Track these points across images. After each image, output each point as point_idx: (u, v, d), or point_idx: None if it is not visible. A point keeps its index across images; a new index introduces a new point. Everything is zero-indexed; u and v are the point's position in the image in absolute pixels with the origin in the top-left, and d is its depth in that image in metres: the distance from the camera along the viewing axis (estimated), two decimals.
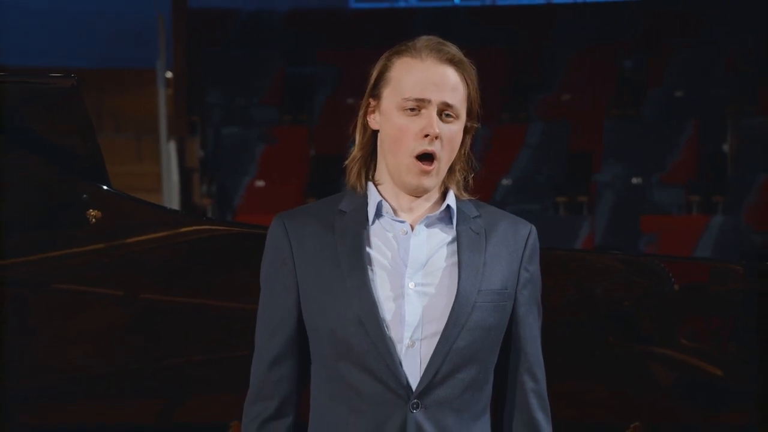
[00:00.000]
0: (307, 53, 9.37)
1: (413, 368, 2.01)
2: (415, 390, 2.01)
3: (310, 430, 2.09)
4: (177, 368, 3.02)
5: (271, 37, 9.67)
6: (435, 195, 2.09)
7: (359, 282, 2.02)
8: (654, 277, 2.97)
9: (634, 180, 7.76)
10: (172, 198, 7.91)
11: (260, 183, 8.27)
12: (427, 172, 2.03)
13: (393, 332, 2.01)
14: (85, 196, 2.79)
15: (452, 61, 2.06)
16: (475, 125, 2.11)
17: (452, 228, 2.08)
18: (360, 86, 2.14)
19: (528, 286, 2.10)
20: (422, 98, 2.03)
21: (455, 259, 2.05)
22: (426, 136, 2.02)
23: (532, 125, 8.28)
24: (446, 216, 2.09)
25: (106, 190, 2.80)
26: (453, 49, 2.07)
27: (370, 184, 2.09)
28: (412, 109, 2.03)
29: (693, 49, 8.92)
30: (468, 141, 2.11)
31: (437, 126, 2.02)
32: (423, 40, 2.08)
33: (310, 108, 8.75)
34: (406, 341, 2.01)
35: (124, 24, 9.89)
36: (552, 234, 7.09)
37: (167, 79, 8.49)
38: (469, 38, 9.55)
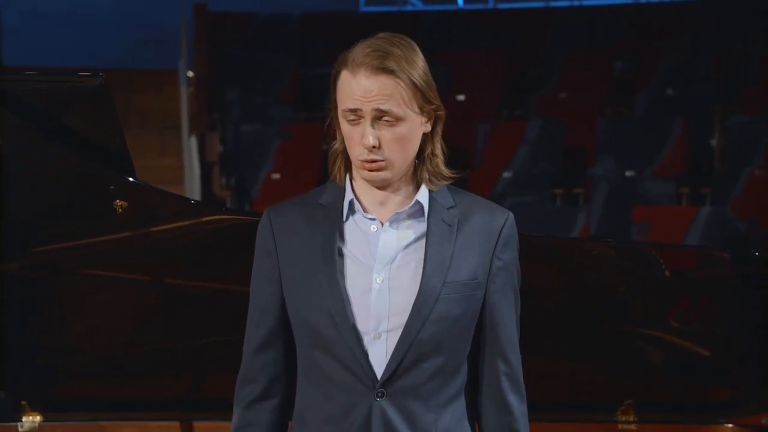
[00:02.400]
0: (320, 54, 9.35)
1: (380, 359, 2.01)
2: (380, 379, 2.00)
3: (295, 410, 2.10)
4: (198, 348, 3.02)
5: (286, 39, 9.65)
6: (407, 189, 2.06)
7: (330, 276, 2.01)
8: (646, 263, 2.95)
9: (627, 173, 7.74)
10: (193, 190, 7.91)
11: (276, 176, 8.27)
12: (374, 169, 2.01)
13: (360, 324, 2.01)
14: (112, 187, 2.79)
15: (383, 69, 2.00)
16: (440, 112, 2.06)
17: (423, 222, 2.05)
18: None
19: (501, 274, 2.06)
20: (354, 108, 2.01)
21: (423, 253, 2.03)
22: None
23: (530, 122, 8.26)
24: (418, 210, 2.06)
25: (132, 181, 2.79)
26: (384, 57, 2.00)
27: (347, 180, 2.07)
28: (351, 119, 2.02)
29: (681, 51, 8.90)
30: (439, 128, 2.07)
31: (371, 137, 1.99)
32: (359, 50, 2.02)
33: (323, 106, 8.71)
34: (373, 333, 2.01)
35: (150, 28, 9.88)
36: (550, 224, 7.07)
37: (189, 79, 8.48)
38: (471, 40, 9.53)
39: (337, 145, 2.08)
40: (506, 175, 7.83)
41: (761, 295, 2.94)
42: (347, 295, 2.01)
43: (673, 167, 7.85)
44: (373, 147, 2.00)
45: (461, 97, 8.71)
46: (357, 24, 10.02)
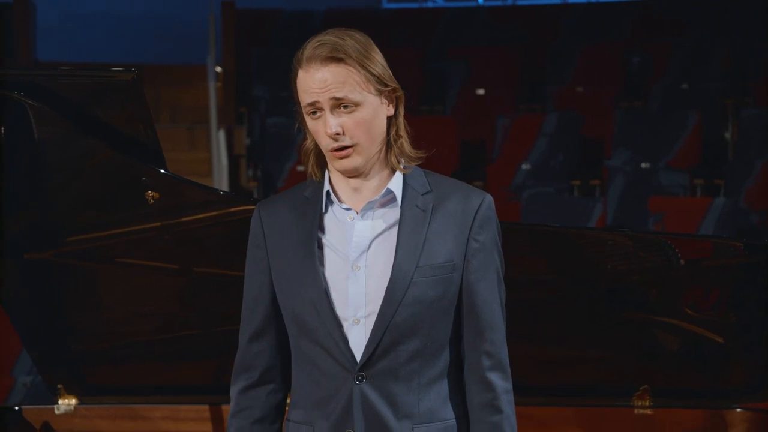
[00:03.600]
0: None
1: (359, 344, 2.02)
2: (359, 363, 2.01)
3: (290, 394, 2.13)
4: (226, 334, 3.03)
5: (311, 35, 9.62)
6: (380, 175, 2.07)
7: (311, 266, 2.04)
8: (661, 252, 2.94)
9: (643, 165, 7.70)
10: (221, 181, 7.92)
11: (301, 168, 8.27)
12: (343, 156, 2.02)
13: (340, 311, 2.02)
14: (144, 178, 2.80)
15: (333, 58, 2.02)
16: (399, 93, 2.06)
17: (397, 208, 2.05)
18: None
19: (478, 256, 2.05)
20: (312, 102, 2.03)
21: (396, 239, 2.04)
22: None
23: (548, 115, 8.23)
24: (391, 198, 2.06)
25: (163, 173, 2.80)
26: (333, 45, 2.02)
27: (327, 173, 2.09)
28: (313, 113, 2.04)
29: (695, 45, 8.85)
30: (401, 110, 2.08)
31: (333, 125, 2.01)
32: (308, 47, 2.05)
33: None
34: (351, 319, 2.02)
35: (179, 25, 9.90)
36: (567, 214, 7.04)
37: (217, 74, 8.49)
38: (491, 35, 9.49)
39: (307, 144, 2.10)
40: (524, 167, 7.80)
41: None
42: (326, 284, 2.03)
43: (687, 159, 7.81)
44: (337, 134, 2.01)
45: (480, 92, 8.69)
46: (379, 20, 10.01)
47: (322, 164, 2.10)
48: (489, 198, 2.08)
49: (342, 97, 2.01)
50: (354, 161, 2.03)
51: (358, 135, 2.02)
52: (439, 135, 7.81)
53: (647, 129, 7.93)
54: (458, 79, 8.81)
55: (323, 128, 2.02)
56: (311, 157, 2.09)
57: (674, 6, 9.45)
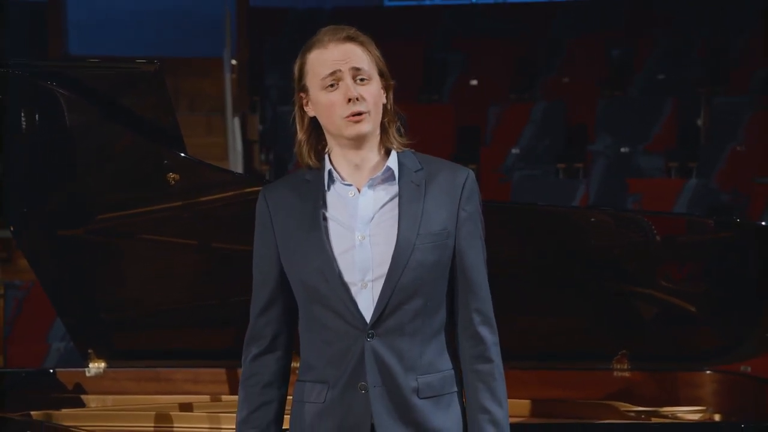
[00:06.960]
0: None
1: (367, 305, 2.06)
2: (369, 322, 2.05)
3: (301, 359, 2.14)
4: (242, 304, 3.04)
5: (318, 30, 9.60)
6: (378, 154, 2.11)
7: (317, 239, 2.07)
8: (639, 229, 2.95)
9: (622, 149, 7.70)
10: (236, 165, 7.92)
11: None
12: (359, 120, 2.06)
13: (347, 277, 2.06)
14: (165, 161, 2.80)
15: (350, 38, 2.09)
16: (391, 83, 2.13)
17: (395, 184, 2.10)
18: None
19: (467, 224, 2.10)
20: (334, 71, 2.07)
21: (397, 211, 2.08)
22: (349, 100, 2.06)
23: (536, 104, 8.23)
24: (390, 175, 2.11)
25: (183, 156, 2.81)
26: (348, 30, 2.10)
27: (326, 156, 2.12)
28: (331, 85, 2.07)
29: (671, 38, 8.83)
30: (390, 97, 2.13)
31: (354, 89, 2.06)
32: (322, 32, 2.11)
33: None
34: (360, 284, 2.06)
35: (197, 20, 9.89)
36: (553, 195, 7.05)
37: (232, 66, 8.47)
38: (484, 31, 9.46)
39: (300, 135, 2.14)
40: (514, 151, 7.80)
41: (741, 258, 2.93)
42: (333, 253, 2.06)
43: (663, 144, 7.81)
44: (357, 99, 2.05)
45: (474, 82, 8.68)
46: (382, 17, 9.99)
47: (317, 152, 2.13)
48: (471, 173, 2.15)
49: (361, 68, 2.07)
50: (366, 126, 2.07)
51: (371, 104, 2.07)
52: (437, 121, 7.80)
53: (627, 116, 7.93)
54: (455, 70, 8.79)
55: (341, 96, 2.06)
56: (305, 147, 2.13)
57: (653, 3, 9.41)
